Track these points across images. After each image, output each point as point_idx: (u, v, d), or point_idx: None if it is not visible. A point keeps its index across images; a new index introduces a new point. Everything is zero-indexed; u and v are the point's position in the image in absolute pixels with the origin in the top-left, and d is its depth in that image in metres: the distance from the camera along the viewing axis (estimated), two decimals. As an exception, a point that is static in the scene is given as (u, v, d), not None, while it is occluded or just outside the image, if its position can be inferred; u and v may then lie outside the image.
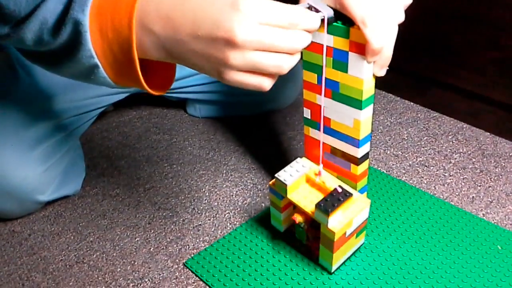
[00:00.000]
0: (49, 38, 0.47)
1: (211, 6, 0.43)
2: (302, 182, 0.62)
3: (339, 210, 0.56)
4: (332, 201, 0.56)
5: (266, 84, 0.46)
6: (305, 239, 0.65)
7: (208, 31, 0.42)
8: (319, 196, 0.59)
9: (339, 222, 0.56)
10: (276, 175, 0.61)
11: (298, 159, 0.63)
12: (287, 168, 0.62)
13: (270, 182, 0.63)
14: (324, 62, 0.56)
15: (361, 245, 0.65)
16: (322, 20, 0.49)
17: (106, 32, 0.45)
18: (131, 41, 0.44)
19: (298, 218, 0.61)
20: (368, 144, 0.61)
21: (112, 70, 0.48)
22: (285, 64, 0.45)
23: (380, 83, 1.04)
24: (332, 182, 0.60)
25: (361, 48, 0.52)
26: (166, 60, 0.48)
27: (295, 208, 0.62)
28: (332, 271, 0.62)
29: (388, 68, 0.54)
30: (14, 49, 0.70)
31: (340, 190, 0.57)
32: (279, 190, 0.61)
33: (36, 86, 0.75)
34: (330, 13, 0.50)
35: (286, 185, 0.59)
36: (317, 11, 0.49)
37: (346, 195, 0.57)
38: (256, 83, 0.46)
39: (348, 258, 0.64)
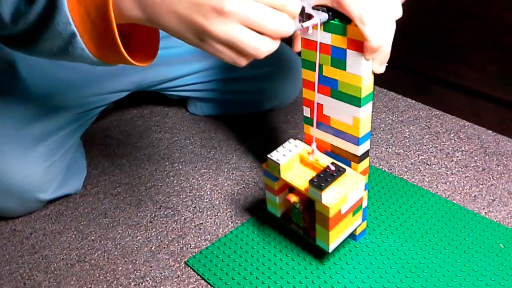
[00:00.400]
0: (26, 7, 0.46)
1: None
2: (295, 162, 0.61)
3: (333, 186, 0.56)
4: (326, 176, 0.56)
5: (242, 61, 0.47)
6: (302, 221, 0.63)
7: None
8: (313, 175, 0.59)
9: (334, 198, 0.55)
10: (268, 155, 0.60)
11: (291, 139, 0.63)
12: (280, 148, 0.61)
13: (264, 164, 0.62)
14: (317, 66, 0.56)
15: (359, 226, 0.63)
16: (315, 23, 0.50)
17: None
18: (107, 1, 0.44)
19: (292, 198, 0.61)
20: (368, 142, 0.61)
21: (91, 40, 0.47)
22: (263, 47, 0.45)
23: (382, 81, 1.03)
24: (325, 160, 0.59)
25: (359, 46, 0.52)
26: (144, 23, 0.47)
27: (290, 190, 0.62)
28: (330, 251, 0.60)
29: (387, 64, 0.54)
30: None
31: (333, 167, 0.57)
32: (273, 171, 0.61)
33: (37, 84, 0.74)
34: (324, 17, 0.51)
35: (279, 164, 0.59)
36: (309, 17, 0.49)
37: (340, 170, 0.56)
38: (233, 57, 0.46)
39: (346, 239, 0.62)
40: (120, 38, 0.46)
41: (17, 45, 0.53)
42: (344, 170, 0.57)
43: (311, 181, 0.55)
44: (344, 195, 0.56)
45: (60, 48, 0.49)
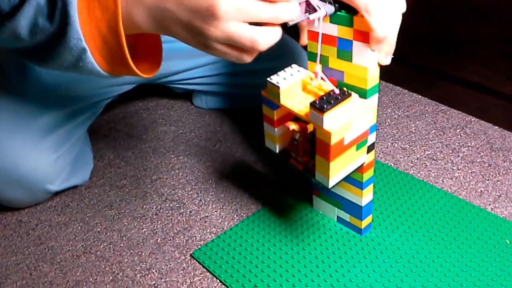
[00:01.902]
0: (43, 22, 0.48)
1: None
2: (297, 88, 0.56)
3: (337, 110, 0.51)
4: (329, 99, 0.51)
5: (246, 57, 0.48)
6: (301, 155, 0.58)
7: (192, 2, 0.44)
8: None
9: (336, 123, 0.51)
10: (268, 78, 0.55)
11: (293, 65, 0.58)
12: (281, 72, 0.56)
13: (263, 91, 0.58)
14: (319, 59, 0.55)
15: (362, 165, 0.58)
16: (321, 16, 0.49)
17: (94, 10, 0.46)
18: (117, 15, 0.45)
19: (292, 126, 0.56)
20: (374, 134, 0.60)
21: (100, 55, 0.49)
22: (262, 39, 0.45)
23: (388, 75, 1.03)
24: (330, 86, 0.54)
25: (365, 37, 0.51)
26: (155, 32, 0.49)
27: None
28: (329, 186, 0.55)
29: (392, 56, 0.54)
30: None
31: (338, 90, 0.52)
32: (272, 97, 0.56)
33: (46, 76, 0.74)
34: (330, 9, 0.51)
35: (279, 88, 0.54)
36: (313, 9, 0.49)
37: (345, 94, 0.51)
38: (236, 55, 0.47)
39: (347, 175, 0.57)
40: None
41: (30, 58, 0.54)
42: (350, 94, 0.52)
43: (313, 103, 0.50)
44: (348, 121, 0.51)
45: (70, 63, 0.50)
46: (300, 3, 0.48)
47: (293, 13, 0.46)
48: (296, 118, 0.56)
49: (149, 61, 0.55)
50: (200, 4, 0.43)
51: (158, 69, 0.55)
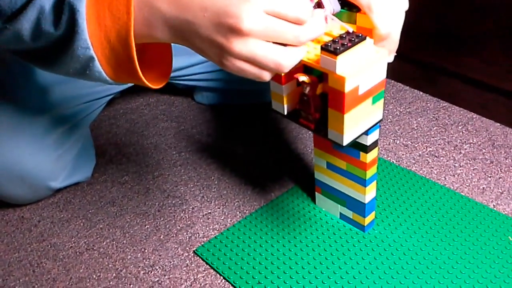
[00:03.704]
0: (47, 27, 0.46)
1: None
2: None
3: (350, 53, 0.47)
4: (342, 41, 0.46)
5: (265, 76, 0.46)
6: (313, 111, 0.55)
7: (214, 15, 0.42)
8: None
9: (350, 68, 0.47)
10: None
11: None
12: None
13: None
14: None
15: (379, 121, 0.55)
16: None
17: (104, 19, 0.45)
18: (129, 26, 0.44)
19: (301, 77, 0.52)
20: (377, 131, 0.60)
21: (108, 64, 0.48)
22: (286, 60, 0.44)
23: (389, 72, 1.03)
24: (344, 27, 0.50)
25: (368, 33, 0.51)
26: (172, 41, 0.47)
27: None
28: (344, 144, 0.51)
29: (396, 54, 0.54)
30: None
31: (351, 31, 0.48)
32: None
33: (47, 74, 0.74)
34: (337, 7, 0.50)
35: None
36: (320, 5, 0.48)
37: (359, 37, 0.47)
38: (255, 73, 0.45)
39: (363, 133, 0.54)
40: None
41: (33, 61, 0.53)
42: (365, 38, 0.47)
43: (324, 46, 0.46)
44: (363, 67, 0.48)
45: (77, 70, 0.49)
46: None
47: (319, 32, 0.45)
48: (306, 72, 0.53)
49: (158, 69, 0.53)
50: (222, 19, 0.42)
51: (168, 79, 0.53)
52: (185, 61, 0.93)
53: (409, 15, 0.51)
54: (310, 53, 0.50)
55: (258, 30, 0.42)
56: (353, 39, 0.47)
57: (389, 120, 0.92)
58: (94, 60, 0.47)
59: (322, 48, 0.46)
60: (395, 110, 0.94)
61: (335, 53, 0.45)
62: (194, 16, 0.43)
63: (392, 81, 1.04)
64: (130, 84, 0.90)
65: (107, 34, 0.45)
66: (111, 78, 0.49)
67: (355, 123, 0.52)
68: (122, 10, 0.44)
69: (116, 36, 0.45)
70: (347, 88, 0.47)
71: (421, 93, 0.99)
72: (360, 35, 0.47)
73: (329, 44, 0.46)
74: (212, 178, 0.82)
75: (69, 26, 0.45)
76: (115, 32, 0.45)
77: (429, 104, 0.95)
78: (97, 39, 0.46)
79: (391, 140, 0.86)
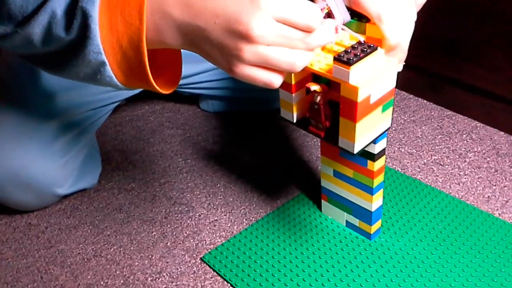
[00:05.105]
0: (58, 32, 0.46)
1: None
2: (316, 49, 0.52)
3: (362, 63, 0.47)
4: (355, 52, 0.47)
5: (275, 81, 0.46)
6: (323, 120, 0.55)
7: (225, 22, 0.43)
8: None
9: (363, 78, 0.48)
10: None
11: None
12: None
13: None
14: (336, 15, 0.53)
15: (387, 129, 0.57)
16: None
17: (116, 25, 0.45)
18: (141, 32, 0.44)
19: (313, 86, 0.53)
20: (385, 140, 0.61)
21: (119, 69, 0.48)
22: (299, 61, 0.45)
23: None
24: (355, 37, 0.50)
25: (377, 43, 0.52)
26: (182, 47, 0.48)
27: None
28: (355, 151, 0.52)
29: (404, 63, 0.55)
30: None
31: (363, 42, 0.48)
32: None
33: (55, 80, 0.75)
34: (347, 17, 0.51)
35: None
36: (330, 15, 0.49)
37: (371, 47, 0.48)
38: (265, 79, 0.46)
39: (372, 141, 0.55)
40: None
41: (43, 65, 0.53)
42: (376, 48, 0.48)
43: (337, 57, 0.47)
44: (375, 77, 0.49)
45: (87, 74, 0.49)
46: (321, 9, 0.48)
47: (328, 39, 0.45)
48: (314, 80, 0.54)
49: (168, 75, 0.54)
50: (233, 26, 0.42)
51: (177, 85, 0.54)
52: (190, 70, 0.93)
53: (414, 23, 0.52)
54: (321, 62, 0.51)
55: (268, 37, 0.42)
56: (365, 49, 0.48)
57: (393, 128, 0.92)
58: (106, 64, 0.47)
59: (335, 59, 0.47)
60: (399, 118, 0.95)
61: (349, 63, 0.46)
62: (205, 23, 0.44)
63: (396, 89, 1.04)
64: (137, 91, 0.91)
65: (119, 39, 0.45)
66: (121, 83, 0.50)
67: (366, 131, 0.52)
68: (134, 16, 0.44)
69: (128, 41, 0.45)
70: (360, 97, 0.48)
71: (425, 101, 1.00)
72: (372, 45, 0.48)
73: (342, 55, 0.47)
74: (218, 185, 0.82)
75: (81, 31, 0.45)
76: (127, 38, 0.45)
77: (433, 113, 0.96)
78: (109, 44, 0.46)
79: (396, 148, 0.87)
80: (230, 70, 0.46)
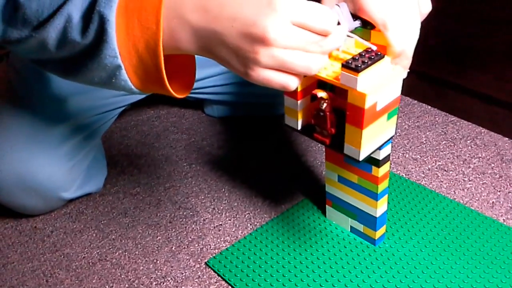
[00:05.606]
0: (74, 36, 0.46)
1: (249, 1, 0.43)
2: None
3: (370, 71, 0.48)
4: (362, 59, 0.48)
5: (292, 83, 0.46)
6: (329, 126, 0.56)
7: (242, 26, 0.43)
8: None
9: (370, 85, 0.49)
10: None
11: None
12: None
13: None
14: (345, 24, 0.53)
15: (392, 137, 0.57)
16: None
17: (133, 29, 0.45)
18: (158, 37, 0.44)
19: (320, 93, 0.53)
20: (389, 146, 0.61)
21: (135, 73, 0.48)
22: (314, 64, 0.45)
23: (398, 86, 1.04)
24: (363, 45, 0.51)
25: (383, 50, 0.52)
26: (197, 52, 0.48)
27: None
28: (360, 159, 0.53)
29: (409, 70, 0.55)
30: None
31: (372, 49, 0.49)
32: None
33: (62, 84, 0.75)
34: (356, 24, 0.51)
35: None
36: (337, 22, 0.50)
37: (378, 55, 0.49)
38: (282, 81, 0.46)
39: (377, 148, 0.55)
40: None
41: (55, 69, 0.53)
42: (383, 56, 0.49)
43: (345, 64, 0.47)
44: (382, 84, 0.49)
45: (102, 79, 0.49)
46: None
47: (340, 42, 0.46)
48: (319, 88, 0.55)
49: (182, 79, 0.54)
50: (250, 30, 0.42)
51: (191, 89, 0.54)
52: (196, 75, 0.94)
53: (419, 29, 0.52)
54: (328, 69, 0.51)
55: (284, 40, 0.43)
56: (372, 57, 0.48)
57: (398, 134, 0.92)
58: (121, 69, 0.47)
59: (343, 65, 0.48)
60: (403, 124, 0.95)
61: (357, 70, 0.47)
62: (222, 27, 0.44)
63: (401, 95, 1.04)
64: (143, 95, 0.92)
65: (136, 44, 0.46)
66: (136, 87, 0.50)
67: (372, 138, 0.53)
68: (151, 21, 0.44)
69: (144, 46, 0.46)
70: (367, 104, 0.49)
71: (430, 107, 1.00)
72: (379, 53, 0.49)
73: (350, 62, 0.48)
74: (223, 190, 0.82)
75: (98, 35, 0.46)
76: (144, 42, 0.45)
77: (437, 118, 0.96)
78: (125, 48, 0.46)
79: (400, 154, 0.87)
80: (246, 73, 0.46)
